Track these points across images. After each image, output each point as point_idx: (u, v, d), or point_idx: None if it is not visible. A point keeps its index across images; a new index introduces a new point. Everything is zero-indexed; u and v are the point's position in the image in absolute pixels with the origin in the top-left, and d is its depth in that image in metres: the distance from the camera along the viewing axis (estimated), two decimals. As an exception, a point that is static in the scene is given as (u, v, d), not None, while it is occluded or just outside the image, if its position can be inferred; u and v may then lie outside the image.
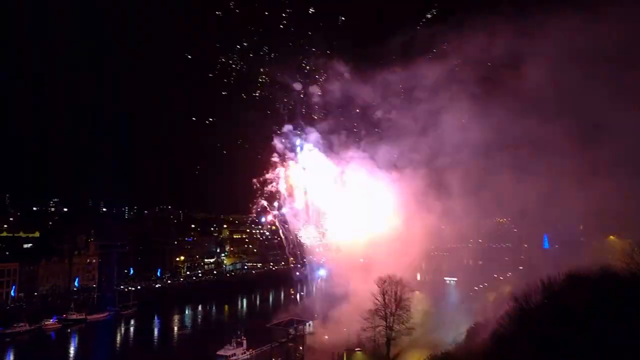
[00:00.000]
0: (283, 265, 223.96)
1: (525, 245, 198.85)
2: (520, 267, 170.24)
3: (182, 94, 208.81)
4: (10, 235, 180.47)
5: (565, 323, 48.75)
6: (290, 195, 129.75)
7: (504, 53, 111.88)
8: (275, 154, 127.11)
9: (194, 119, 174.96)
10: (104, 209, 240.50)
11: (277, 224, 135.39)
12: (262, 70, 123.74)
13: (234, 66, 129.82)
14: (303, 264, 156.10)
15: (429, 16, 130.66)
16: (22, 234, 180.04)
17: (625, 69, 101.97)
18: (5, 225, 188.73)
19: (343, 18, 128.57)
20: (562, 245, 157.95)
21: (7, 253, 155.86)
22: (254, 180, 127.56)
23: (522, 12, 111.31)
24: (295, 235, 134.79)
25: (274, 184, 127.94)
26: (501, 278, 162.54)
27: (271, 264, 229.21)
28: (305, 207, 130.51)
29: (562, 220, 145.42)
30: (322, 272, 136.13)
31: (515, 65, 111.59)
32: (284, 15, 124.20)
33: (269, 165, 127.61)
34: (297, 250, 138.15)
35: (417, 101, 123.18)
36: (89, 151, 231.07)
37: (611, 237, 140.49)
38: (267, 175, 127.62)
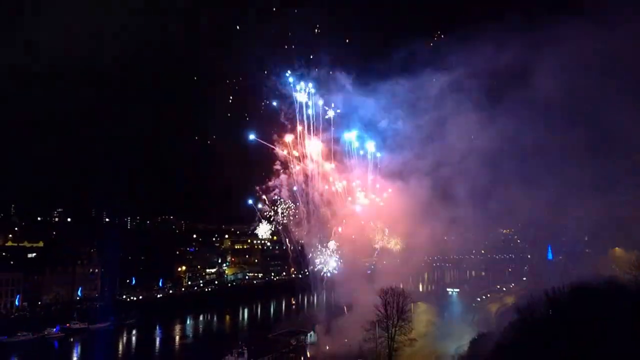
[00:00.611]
0: (284, 275, 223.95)
1: (529, 256, 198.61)
2: (524, 278, 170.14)
3: (185, 109, 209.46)
4: (15, 244, 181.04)
5: (570, 335, 48.56)
6: (294, 202, 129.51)
7: (511, 63, 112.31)
8: (277, 162, 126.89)
9: (196, 137, 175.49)
10: (107, 219, 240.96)
11: (280, 232, 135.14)
12: (265, 87, 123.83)
13: (237, 87, 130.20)
14: (305, 273, 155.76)
15: (435, 38, 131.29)
16: (26, 244, 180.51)
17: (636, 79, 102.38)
18: (10, 235, 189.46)
19: (348, 40, 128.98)
20: (566, 257, 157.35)
21: (12, 262, 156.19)
22: (257, 187, 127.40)
23: (532, 23, 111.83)
24: (298, 243, 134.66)
25: (276, 191, 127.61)
26: (504, 289, 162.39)
27: (272, 274, 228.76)
28: (308, 215, 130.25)
29: (567, 231, 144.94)
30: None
31: (523, 75, 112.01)
32: (289, 34, 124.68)
33: (272, 173, 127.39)
34: (300, 259, 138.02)
35: (422, 111, 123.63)
36: (93, 161, 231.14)
37: (616, 248, 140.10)
38: (270, 183, 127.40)
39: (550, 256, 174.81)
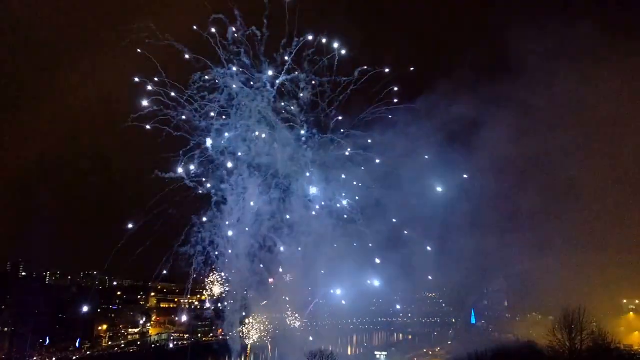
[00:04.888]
0: (212, 336, 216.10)
1: (454, 320, 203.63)
2: (449, 342, 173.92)
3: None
4: None
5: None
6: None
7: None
8: None
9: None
10: (24, 273, 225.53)
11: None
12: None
13: None
14: (234, 335, 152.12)
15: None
16: None
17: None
18: None
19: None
20: (488, 321, 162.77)
21: None
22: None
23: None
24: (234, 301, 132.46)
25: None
26: (431, 352, 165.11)
27: (199, 334, 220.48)
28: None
29: (488, 295, 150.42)
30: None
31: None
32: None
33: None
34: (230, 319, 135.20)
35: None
36: (12, 211, 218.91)
37: (534, 313, 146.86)
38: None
39: (473, 320, 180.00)
